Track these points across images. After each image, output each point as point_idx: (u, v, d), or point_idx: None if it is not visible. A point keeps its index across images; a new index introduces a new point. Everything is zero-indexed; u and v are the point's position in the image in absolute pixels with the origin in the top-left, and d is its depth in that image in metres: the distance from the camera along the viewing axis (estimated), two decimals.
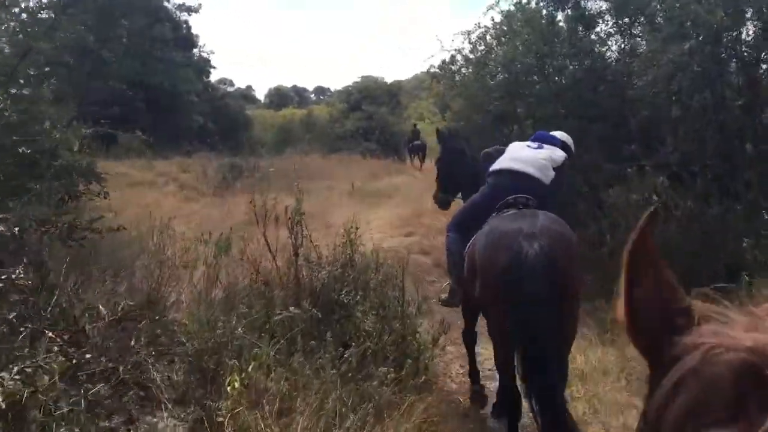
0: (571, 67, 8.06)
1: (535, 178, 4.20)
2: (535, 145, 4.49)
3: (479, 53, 9.06)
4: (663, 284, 0.74)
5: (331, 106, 40.48)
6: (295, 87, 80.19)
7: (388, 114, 30.52)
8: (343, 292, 4.84)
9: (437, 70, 9.74)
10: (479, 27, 9.05)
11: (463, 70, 9.43)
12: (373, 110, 31.32)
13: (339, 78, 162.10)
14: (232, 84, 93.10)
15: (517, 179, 4.19)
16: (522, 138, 5.35)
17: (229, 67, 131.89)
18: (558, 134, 4.81)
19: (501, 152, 4.63)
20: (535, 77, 8.43)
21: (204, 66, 31.57)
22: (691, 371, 0.64)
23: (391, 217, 14.03)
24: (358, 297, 4.93)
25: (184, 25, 30.85)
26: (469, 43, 9.04)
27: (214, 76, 34.84)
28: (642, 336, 0.74)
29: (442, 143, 5.58)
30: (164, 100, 27.77)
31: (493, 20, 8.76)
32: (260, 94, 75.83)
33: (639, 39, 7.87)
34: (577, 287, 3.64)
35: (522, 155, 4.38)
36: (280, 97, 69.24)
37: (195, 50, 31.76)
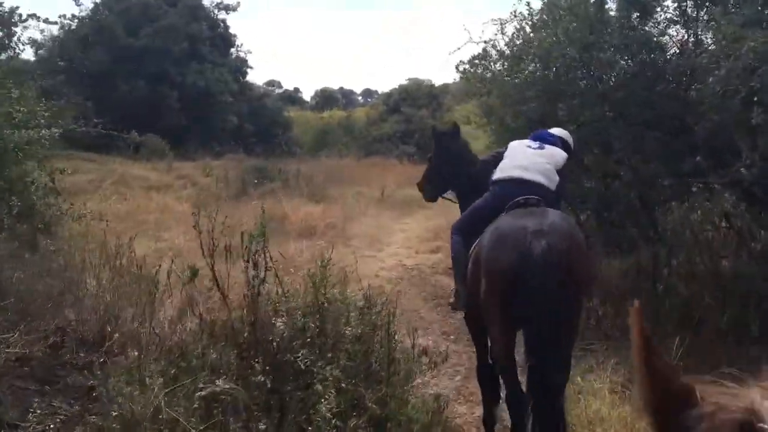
0: (622, 62, 6.70)
1: (542, 186, 4.03)
2: (536, 144, 4.31)
3: (515, 46, 7.75)
4: (666, 369, 0.86)
5: (371, 108, 39.47)
6: (341, 89, 79.94)
7: (428, 117, 29.21)
8: (301, 353, 3.64)
9: (467, 66, 8.46)
10: (515, 16, 7.73)
11: (497, 65, 8.12)
12: (412, 113, 30.06)
13: (388, 81, 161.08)
14: (280, 86, 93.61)
15: (523, 187, 3.98)
16: None
17: (277, 69, 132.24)
18: (557, 131, 4.70)
19: (500, 157, 4.40)
20: (579, 73, 7.09)
21: (241, 66, 30.82)
22: None
23: (420, 230, 12.80)
24: (327, 357, 3.72)
25: (221, 24, 30.17)
26: (503, 33, 7.72)
27: (260, 78, 34.28)
28: (661, 421, 0.85)
29: (437, 141, 5.23)
30: (198, 101, 27.06)
31: (529, 6, 7.42)
32: (308, 96, 75.95)
33: (708, 27, 6.45)
34: (585, 286, 3.63)
35: (526, 160, 4.15)
36: (325, 99, 68.82)
37: (232, 50, 31.07)
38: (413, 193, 12.44)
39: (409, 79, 34.43)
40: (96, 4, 27.78)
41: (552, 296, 3.17)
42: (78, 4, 27.34)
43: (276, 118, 34.26)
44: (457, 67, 8.74)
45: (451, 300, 4.75)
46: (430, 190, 5.36)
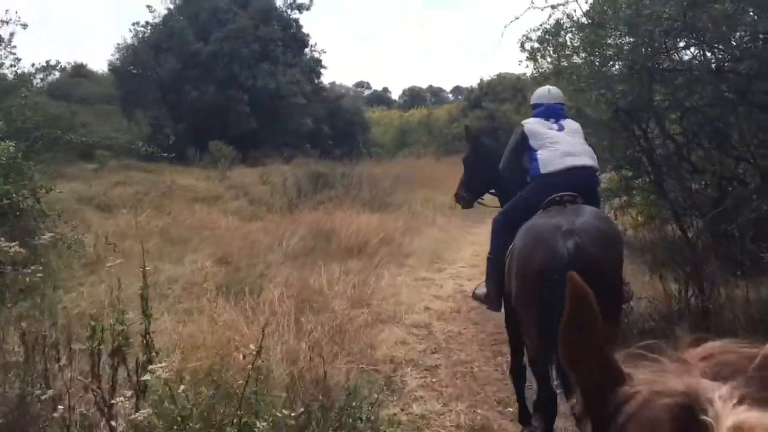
0: (748, 17, 4.78)
1: (593, 168, 4.05)
2: (554, 122, 4.19)
3: (594, 13, 5.93)
4: (601, 347, 0.78)
5: (454, 105, 37.68)
6: (430, 87, 78.56)
7: (512, 112, 27.12)
8: None
9: (534, 43, 6.71)
10: None
11: (572, 38, 6.34)
12: (494, 107, 28.02)
13: (477, 77, 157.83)
14: (368, 86, 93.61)
15: (581, 175, 3.92)
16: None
17: (366, 70, 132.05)
18: (556, 94, 4.49)
19: (521, 147, 4.23)
20: (683, 42, 5.21)
21: (314, 66, 29.74)
22: (630, 417, 0.70)
23: None
24: None
25: (294, 24, 29.20)
26: None
27: (349, 80, 33.16)
28: (588, 400, 0.78)
29: (471, 141, 5.10)
30: (269, 104, 26.15)
31: None
32: (397, 96, 75.33)
33: None
34: (617, 291, 3.43)
35: (567, 145, 4.01)
36: (413, 98, 67.60)
37: (306, 50, 30.04)
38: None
39: (498, 75, 32.32)
40: (169, 9, 27.44)
41: None
42: (151, 11, 27.07)
43: (354, 118, 33.04)
44: (522, 45, 6.98)
45: (477, 290, 4.80)
46: (469, 196, 5.10)
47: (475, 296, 4.93)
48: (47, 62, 9.12)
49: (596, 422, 0.77)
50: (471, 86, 35.36)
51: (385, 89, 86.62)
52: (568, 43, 6.35)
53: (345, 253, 9.59)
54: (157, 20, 27.18)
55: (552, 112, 4.28)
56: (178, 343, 4.73)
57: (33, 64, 9.28)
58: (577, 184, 3.89)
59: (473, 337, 6.33)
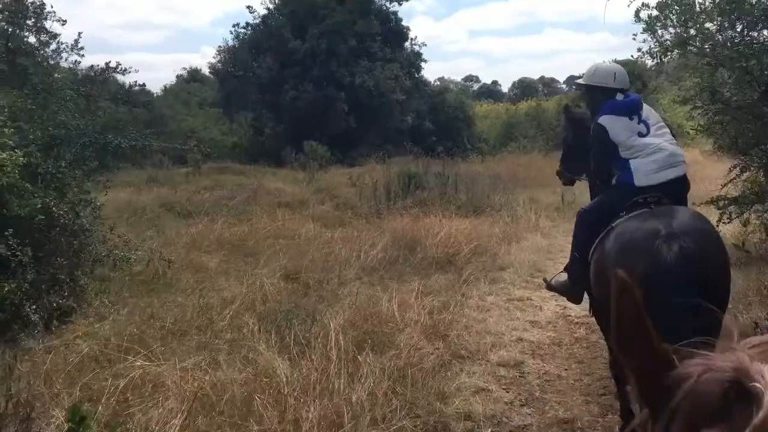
0: None
1: (685, 176, 3.88)
2: (638, 123, 3.87)
3: None
4: (650, 336, 0.83)
5: (566, 96, 35.46)
6: (542, 78, 75.90)
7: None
8: None
9: (653, 11, 5.34)
10: None
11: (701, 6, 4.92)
12: None
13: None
14: (477, 80, 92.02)
15: (669, 186, 3.73)
16: None
17: (475, 64, 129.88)
18: (621, 76, 4.06)
19: (606, 148, 3.90)
20: None
21: (414, 61, 28.67)
22: (684, 395, 0.75)
23: None
24: None
25: (393, 18, 28.25)
26: None
27: (458, 74, 31.95)
28: (644, 385, 0.83)
29: (570, 121, 4.93)
30: (368, 101, 25.36)
31: None
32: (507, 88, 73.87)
33: None
34: (726, 293, 3.25)
35: (662, 153, 3.77)
36: (523, 90, 65.41)
37: (406, 44, 29.04)
38: None
39: (615, 60, 29.94)
40: (268, 9, 27.26)
41: (686, 306, 2.71)
42: (251, 12, 26.98)
43: (457, 113, 31.75)
44: (637, 14, 5.61)
45: (553, 281, 4.57)
46: (567, 174, 5.02)
47: (551, 287, 4.65)
48: (107, 64, 8.50)
49: (652, 407, 0.82)
50: (583, 74, 33.05)
51: (495, 82, 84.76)
52: (698, 5, 4.90)
53: (429, 267, 8.45)
54: (257, 20, 27.10)
55: (633, 108, 3.93)
56: (185, 400, 3.76)
57: (92, 66, 8.69)
58: (668, 192, 3.74)
59: (576, 383, 5.01)
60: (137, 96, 12.81)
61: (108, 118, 8.63)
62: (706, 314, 2.64)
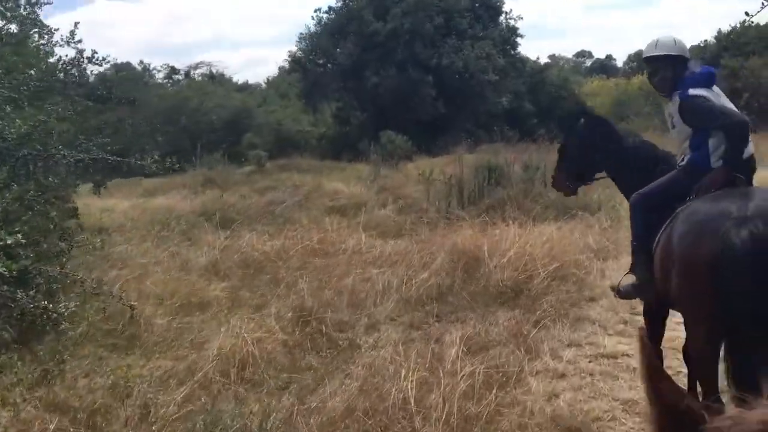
0: None
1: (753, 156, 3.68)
2: (719, 97, 3.67)
3: None
4: (676, 395, 0.88)
5: None
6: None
7: (760, 68, 21.26)
8: None
9: None
10: None
11: None
12: (736, 64, 22.12)
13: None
14: (590, 56, 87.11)
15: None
16: None
17: (589, 38, 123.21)
18: (681, 44, 3.87)
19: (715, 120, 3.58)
20: None
21: (509, 36, 26.09)
22: None
23: None
24: None
25: None
26: None
27: (568, 50, 29.24)
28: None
29: (574, 129, 4.52)
30: (457, 83, 23.16)
31: None
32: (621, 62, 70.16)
33: None
34: None
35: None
36: (640, 64, 60.81)
37: (501, 18, 26.49)
38: None
39: (742, 22, 26.09)
40: None
41: (759, 293, 2.74)
42: None
43: (560, 92, 28.91)
44: None
45: (620, 285, 4.12)
46: (568, 182, 4.59)
47: (620, 293, 4.14)
48: (79, 53, 6.91)
49: None
50: (705, 40, 29.15)
51: (609, 57, 79.92)
52: None
53: (492, 299, 6.37)
54: (338, 3, 25.48)
55: (712, 80, 3.74)
56: None
57: (60, 58, 7.14)
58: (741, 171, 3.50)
59: None
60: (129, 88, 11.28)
61: (96, 120, 7.10)
62: None
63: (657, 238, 3.53)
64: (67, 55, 7.40)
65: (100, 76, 7.88)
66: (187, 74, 40.97)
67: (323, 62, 24.66)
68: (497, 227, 8.49)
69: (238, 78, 46.56)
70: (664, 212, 3.51)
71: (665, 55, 3.80)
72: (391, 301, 6.46)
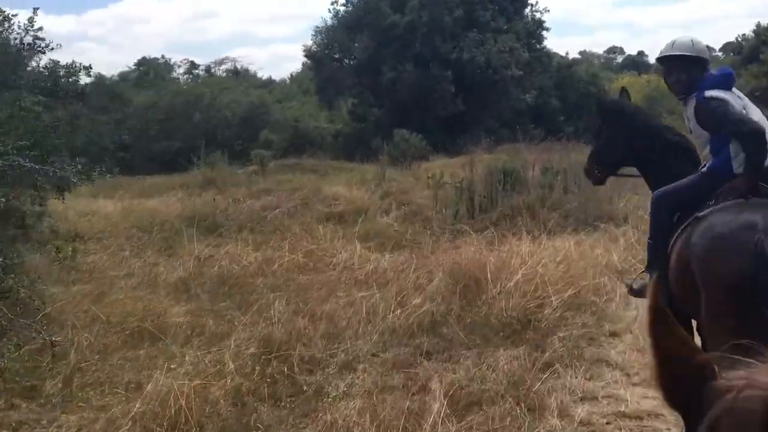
0: None
1: None
2: (741, 100, 3.53)
3: None
4: (682, 344, 0.85)
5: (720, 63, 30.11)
6: (693, 42, 69.28)
7: None
8: None
9: None
10: None
11: None
12: None
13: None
14: (622, 51, 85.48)
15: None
16: None
17: (617, 34, 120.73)
18: (699, 44, 3.72)
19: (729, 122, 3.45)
20: None
21: (535, 29, 24.86)
22: (726, 411, 0.74)
23: None
24: None
25: None
26: None
27: (599, 46, 28.01)
28: (676, 393, 0.84)
29: (605, 111, 4.29)
30: (479, 79, 22.05)
31: None
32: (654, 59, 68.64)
33: None
34: None
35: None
36: None
37: (526, 11, 25.29)
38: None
39: None
40: None
41: None
42: None
43: (588, 89, 27.61)
44: None
45: (636, 284, 3.99)
46: (599, 171, 4.32)
47: (633, 292, 4.02)
48: (21, 40, 6.01)
49: (687, 416, 0.83)
50: (743, 34, 27.58)
51: (641, 53, 78.27)
52: None
53: (492, 333, 5.37)
54: None
55: (732, 82, 3.64)
56: None
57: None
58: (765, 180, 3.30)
59: None
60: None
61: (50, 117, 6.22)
62: None
63: (673, 240, 3.46)
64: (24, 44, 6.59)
65: (50, 68, 7.01)
66: (207, 69, 40.48)
67: (339, 57, 23.71)
68: (507, 241, 7.49)
69: (263, 74, 45.83)
70: (684, 214, 3.44)
71: (680, 55, 3.65)
72: (376, 332, 5.50)
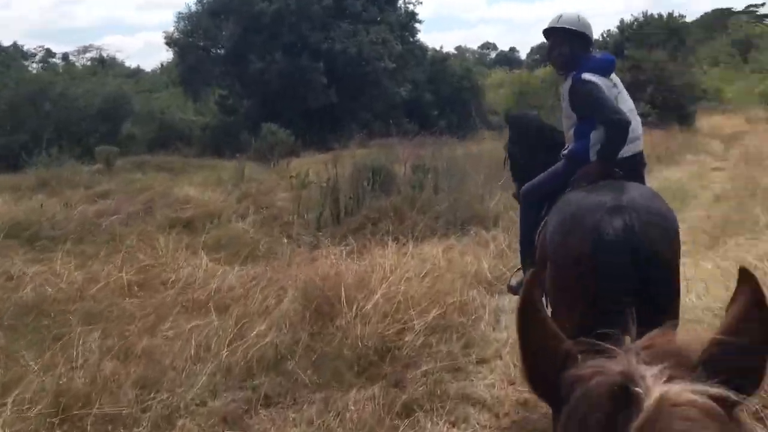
0: None
1: (642, 153, 3.61)
2: (614, 87, 3.49)
3: None
4: (550, 333, 0.88)
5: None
6: None
7: (667, 60, 20.51)
8: None
9: None
10: None
11: None
12: (641, 56, 21.20)
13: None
14: (495, 47, 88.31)
15: (623, 164, 3.34)
16: None
17: (493, 30, 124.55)
18: (581, 21, 3.66)
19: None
20: None
21: (408, 22, 24.41)
22: (577, 398, 0.79)
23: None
24: None
25: None
26: None
27: (473, 42, 27.83)
28: (540, 380, 0.88)
29: (515, 126, 4.40)
30: (351, 71, 21.29)
31: None
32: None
33: None
34: (673, 279, 2.88)
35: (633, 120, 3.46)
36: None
37: (399, 3, 24.78)
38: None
39: (643, 13, 25.41)
40: None
41: (633, 285, 2.62)
42: None
43: (462, 83, 27.59)
44: None
45: (512, 282, 4.24)
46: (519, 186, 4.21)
47: (512, 290, 4.15)
48: None
49: (553, 406, 0.86)
50: (608, 30, 28.52)
51: (512, 49, 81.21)
52: None
53: (346, 367, 4.55)
54: None
55: (611, 68, 3.58)
56: None
57: None
58: (624, 168, 3.31)
59: None
60: None
61: None
62: (651, 300, 2.55)
63: (538, 230, 3.49)
64: None
65: None
66: (65, 57, 37.42)
67: (205, 45, 22.19)
68: (370, 251, 6.71)
69: (132, 63, 42.89)
70: (548, 204, 3.47)
71: (565, 28, 3.60)
72: (205, 373, 4.53)
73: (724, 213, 9.05)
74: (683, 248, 7.24)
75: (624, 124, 3.27)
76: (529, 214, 3.76)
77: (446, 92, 26.71)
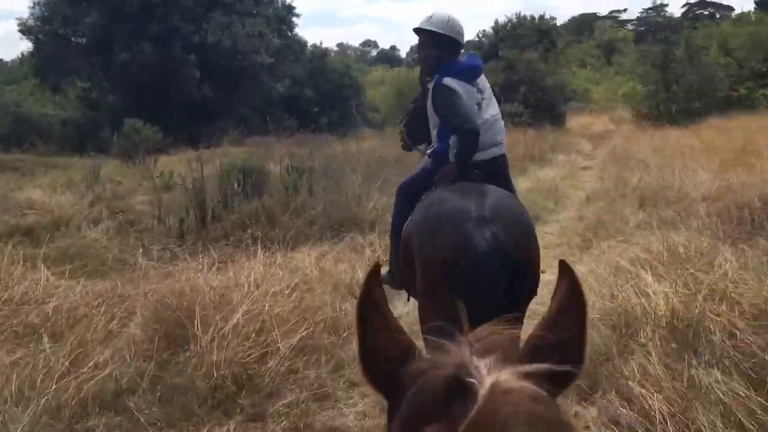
0: None
1: (504, 156, 3.70)
2: (478, 92, 3.52)
3: None
4: (390, 328, 0.89)
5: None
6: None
7: (537, 61, 21.05)
8: None
9: None
10: None
11: None
12: (514, 57, 21.67)
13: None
14: (376, 45, 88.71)
15: (484, 167, 3.49)
16: None
17: (375, 29, 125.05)
18: (452, 22, 3.60)
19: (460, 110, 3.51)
20: None
21: (285, 15, 23.74)
22: (416, 389, 0.80)
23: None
24: None
25: None
26: None
27: (355, 39, 27.26)
28: (378, 375, 0.88)
29: (423, 88, 4.04)
30: (226, 64, 20.37)
31: None
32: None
33: None
34: (534, 279, 3.07)
35: (489, 131, 3.53)
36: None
37: None
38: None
39: (516, 14, 26.00)
40: None
41: (503, 287, 2.76)
42: None
43: (343, 80, 27.25)
44: None
45: (384, 271, 3.95)
46: (407, 139, 4.38)
47: (383, 279, 3.43)
48: None
49: (390, 399, 0.87)
50: (484, 30, 29.06)
51: (393, 47, 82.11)
52: None
53: (200, 402, 4.00)
54: None
55: (476, 74, 3.55)
56: None
57: None
58: (484, 170, 3.46)
59: None
60: None
61: None
62: (512, 303, 2.71)
63: (405, 225, 3.47)
64: None
65: None
66: None
67: (64, 33, 20.50)
68: (235, 261, 6.15)
69: None
70: (415, 201, 3.51)
71: (432, 31, 3.55)
72: (28, 414, 3.84)
73: (595, 213, 9.13)
74: (557, 250, 7.10)
75: (473, 134, 3.32)
76: (403, 209, 3.72)
77: (326, 89, 26.30)
